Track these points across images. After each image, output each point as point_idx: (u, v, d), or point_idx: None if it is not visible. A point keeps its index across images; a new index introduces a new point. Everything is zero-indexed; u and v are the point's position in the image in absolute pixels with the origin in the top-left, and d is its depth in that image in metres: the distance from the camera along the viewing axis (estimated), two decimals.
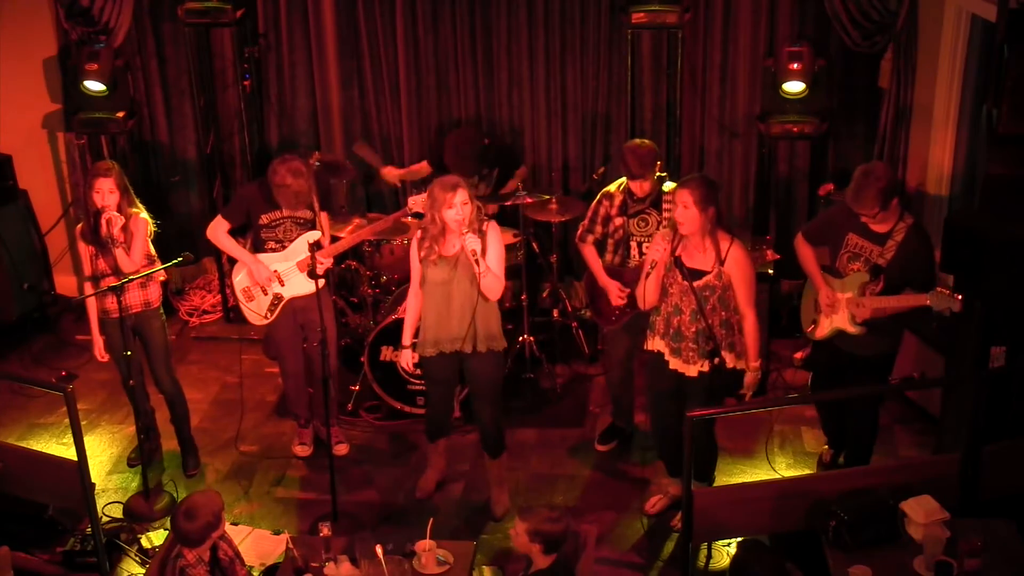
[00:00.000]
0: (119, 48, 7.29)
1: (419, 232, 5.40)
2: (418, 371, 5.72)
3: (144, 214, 5.81)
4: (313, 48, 7.53)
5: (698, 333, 5.15)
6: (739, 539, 5.24)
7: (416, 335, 5.53)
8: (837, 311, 5.32)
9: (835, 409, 5.85)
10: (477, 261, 5.19)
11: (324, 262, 5.82)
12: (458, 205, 5.18)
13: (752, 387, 5.24)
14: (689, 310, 5.15)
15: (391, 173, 7.20)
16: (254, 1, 7.43)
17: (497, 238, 5.35)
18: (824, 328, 5.41)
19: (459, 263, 5.29)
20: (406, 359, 5.60)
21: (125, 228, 5.71)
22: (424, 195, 6.94)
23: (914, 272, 5.13)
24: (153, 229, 5.85)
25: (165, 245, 6.02)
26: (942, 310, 4.90)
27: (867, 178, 5.06)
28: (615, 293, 5.79)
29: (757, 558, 4.90)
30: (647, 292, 5.23)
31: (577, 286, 7.51)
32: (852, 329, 5.27)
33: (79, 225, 5.87)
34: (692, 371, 5.22)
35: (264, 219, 5.88)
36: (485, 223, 5.33)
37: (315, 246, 5.65)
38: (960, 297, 4.85)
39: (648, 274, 5.19)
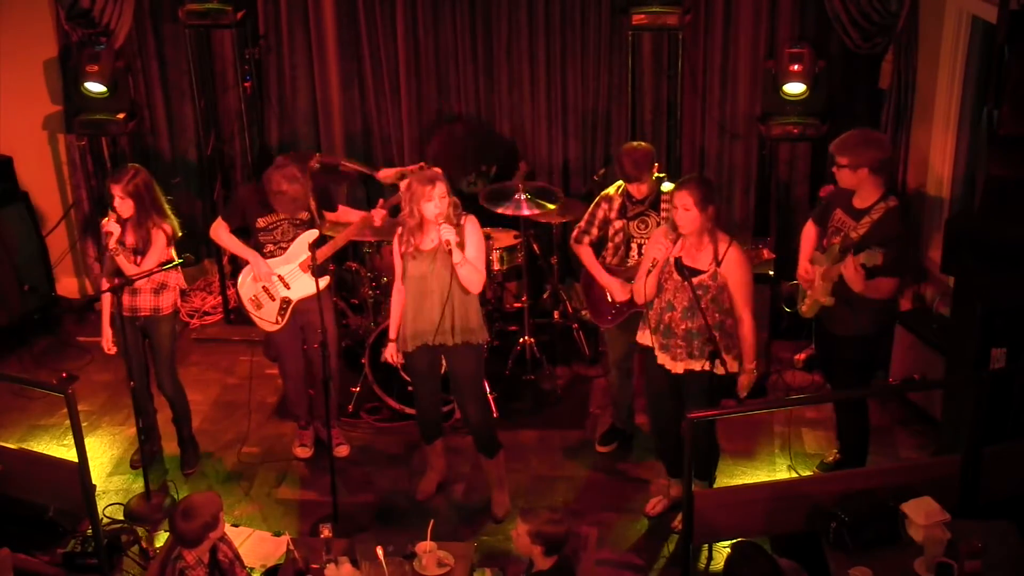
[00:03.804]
0: (120, 50, 7.28)
1: (399, 228, 5.43)
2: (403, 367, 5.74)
3: (165, 225, 5.77)
4: (314, 49, 7.52)
5: (687, 332, 5.15)
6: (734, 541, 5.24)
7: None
8: (812, 283, 5.42)
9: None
10: (451, 251, 5.21)
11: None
12: (436, 198, 5.21)
13: (746, 388, 5.23)
14: (681, 308, 5.15)
15: (386, 174, 7.16)
16: (255, 3, 7.43)
17: (476, 231, 5.39)
18: (807, 302, 5.51)
19: (438, 256, 5.32)
20: (391, 352, 5.62)
21: (127, 233, 5.72)
22: (393, 170, 6.93)
23: (888, 255, 5.05)
24: (179, 234, 5.87)
25: None
26: (872, 264, 4.99)
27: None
28: (618, 289, 5.76)
29: (748, 560, 4.89)
30: (647, 288, 5.24)
31: (578, 287, 7.50)
32: (825, 300, 5.35)
33: None
34: (679, 368, 5.23)
35: (260, 222, 5.88)
36: (463, 217, 5.36)
37: (314, 245, 5.66)
38: (880, 251, 4.95)
39: (649, 271, 5.20)
